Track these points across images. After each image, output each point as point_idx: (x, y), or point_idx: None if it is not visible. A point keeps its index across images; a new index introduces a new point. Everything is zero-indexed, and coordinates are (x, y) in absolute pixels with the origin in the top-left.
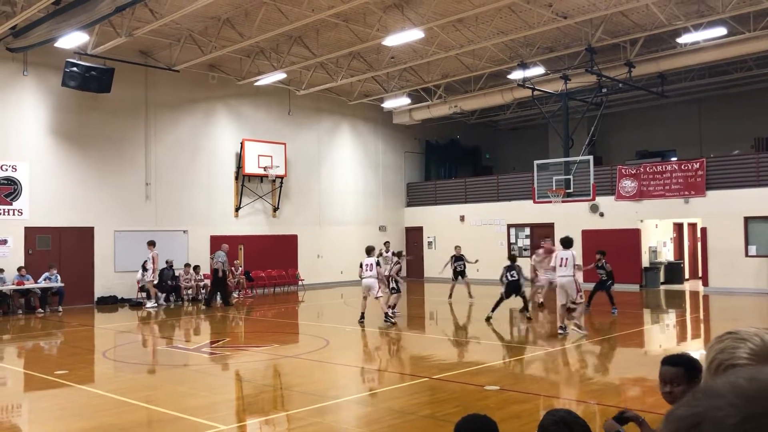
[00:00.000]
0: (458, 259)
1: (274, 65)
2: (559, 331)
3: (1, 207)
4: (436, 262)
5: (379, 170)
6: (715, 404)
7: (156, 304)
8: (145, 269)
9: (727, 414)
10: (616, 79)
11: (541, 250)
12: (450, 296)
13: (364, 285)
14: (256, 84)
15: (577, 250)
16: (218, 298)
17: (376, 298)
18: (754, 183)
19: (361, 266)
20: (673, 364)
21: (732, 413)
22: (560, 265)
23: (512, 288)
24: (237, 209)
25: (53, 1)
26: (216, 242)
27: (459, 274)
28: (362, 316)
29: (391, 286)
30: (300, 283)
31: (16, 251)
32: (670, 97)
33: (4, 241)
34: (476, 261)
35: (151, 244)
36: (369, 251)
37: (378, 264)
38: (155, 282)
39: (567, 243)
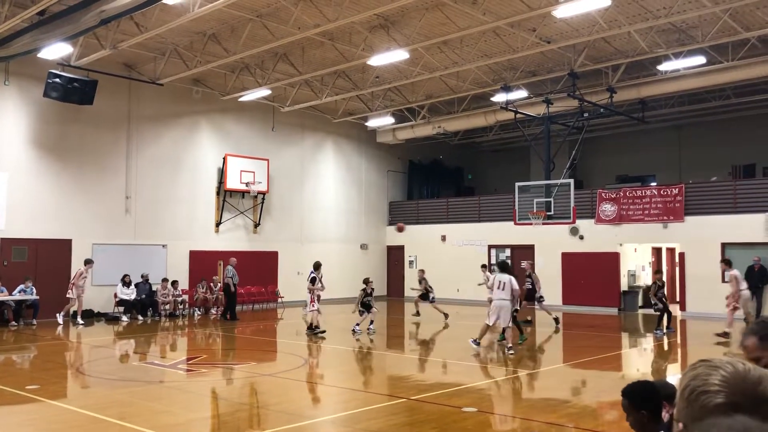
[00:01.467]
0: (420, 282)
1: (259, 81)
2: (473, 344)
3: None
4: (416, 282)
5: (362, 188)
6: None
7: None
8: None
9: None
10: (598, 104)
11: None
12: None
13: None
14: (240, 100)
15: (556, 271)
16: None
17: (309, 311)
18: (732, 210)
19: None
20: (623, 395)
21: None
22: (498, 288)
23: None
24: (218, 224)
25: (38, 11)
26: (195, 257)
27: (423, 296)
28: (310, 326)
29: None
30: (279, 300)
31: None
32: (650, 123)
33: None
34: (420, 291)
35: (88, 262)
36: (316, 267)
37: (312, 281)
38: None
39: (504, 267)
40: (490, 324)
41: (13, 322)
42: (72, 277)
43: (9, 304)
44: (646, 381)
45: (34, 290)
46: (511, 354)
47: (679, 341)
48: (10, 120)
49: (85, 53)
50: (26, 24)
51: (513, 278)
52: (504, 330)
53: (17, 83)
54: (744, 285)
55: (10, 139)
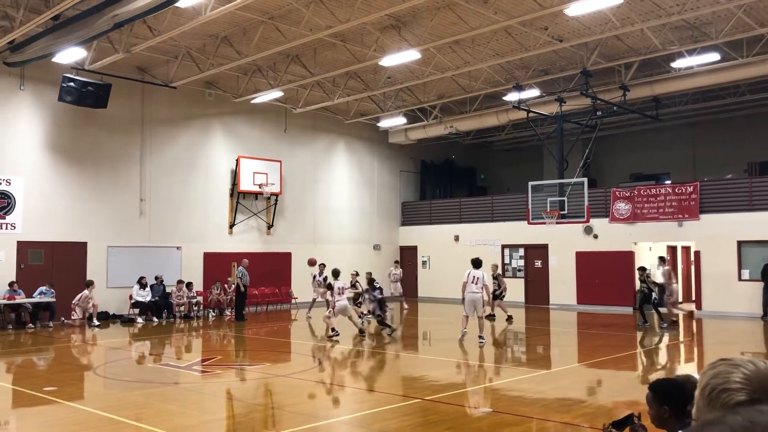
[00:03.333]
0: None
1: (271, 83)
2: (480, 341)
3: None
4: (429, 282)
5: (374, 189)
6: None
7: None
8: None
9: None
10: (611, 102)
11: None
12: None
13: (340, 307)
14: (252, 102)
15: (570, 271)
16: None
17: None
18: (747, 207)
19: (330, 287)
20: (649, 387)
21: None
22: (472, 283)
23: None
24: (231, 226)
25: (52, 16)
26: (209, 259)
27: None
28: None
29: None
30: (293, 301)
31: (8, 265)
32: (664, 120)
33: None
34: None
35: (89, 285)
36: (335, 274)
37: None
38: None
39: (477, 264)
40: (469, 315)
41: (30, 325)
42: (77, 299)
43: (26, 306)
44: (675, 378)
45: (54, 293)
46: (482, 342)
47: (695, 340)
48: (26, 124)
49: (98, 57)
50: (41, 29)
51: (485, 274)
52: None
53: (32, 88)
54: (674, 280)
55: (25, 144)
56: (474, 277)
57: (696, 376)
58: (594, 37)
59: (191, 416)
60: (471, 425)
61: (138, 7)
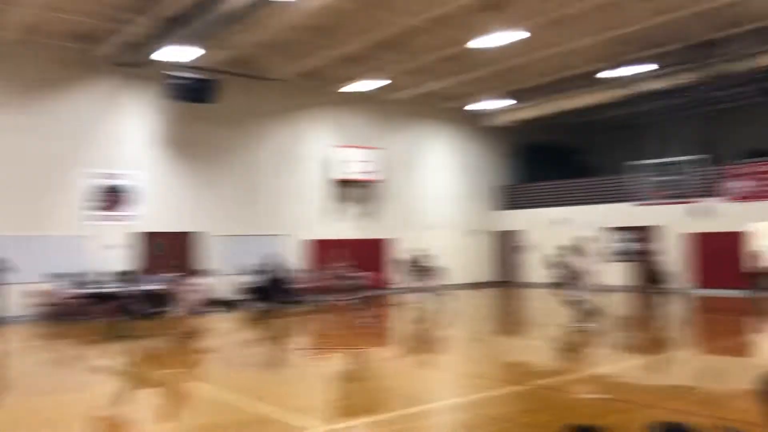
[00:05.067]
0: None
1: (369, 71)
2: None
3: (116, 213)
4: (529, 267)
5: (473, 174)
6: None
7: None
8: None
9: None
10: (725, 74)
11: None
12: None
13: None
14: (351, 90)
15: (682, 253)
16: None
17: None
18: None
19: None
20: None
21: None
22: None
23: None
24: (332, 214)
25: (161, 17)
26: (314, 246)
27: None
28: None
29: None
30: (392, 287)
31: (130, 255)
32: None
33: (119, 246)
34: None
35: (204, 273)
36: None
37: None
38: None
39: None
40: None
41: (150, 311)
42: (191, 287)
43: (146, 293)
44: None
45: (172, 280)
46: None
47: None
48: (139, 120)
49: (204, 54)
50: (150, 30)
51: None
52: None
53: (143, 85)
54: None
55: (143, 140)
56: None
57: None
58: (706, 6)
59: (302, 397)
60: (578, 411)
61: (244, 5)
